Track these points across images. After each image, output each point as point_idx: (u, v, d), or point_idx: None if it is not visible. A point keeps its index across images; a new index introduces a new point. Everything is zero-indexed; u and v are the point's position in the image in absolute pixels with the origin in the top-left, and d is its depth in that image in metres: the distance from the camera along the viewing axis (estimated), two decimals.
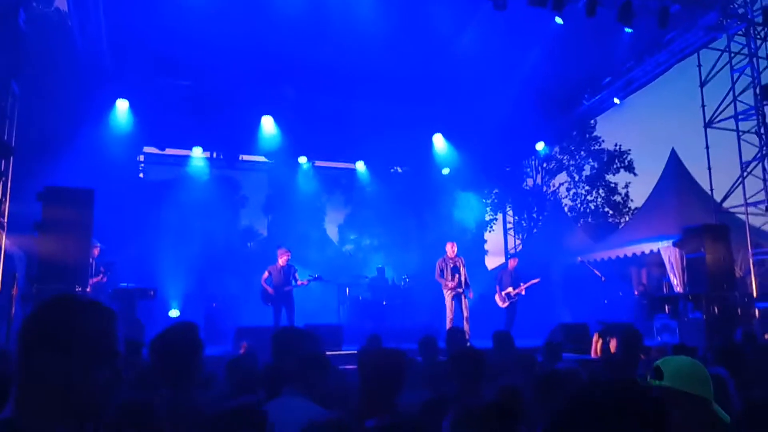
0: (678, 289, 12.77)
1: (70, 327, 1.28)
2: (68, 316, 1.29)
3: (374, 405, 2.80)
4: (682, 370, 2.23)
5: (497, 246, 24.66)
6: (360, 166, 17.31)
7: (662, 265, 13.74)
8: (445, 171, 17.13)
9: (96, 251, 9.65)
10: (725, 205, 12.82)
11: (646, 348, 5.13)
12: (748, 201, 12.11)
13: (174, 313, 13.13)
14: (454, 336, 6.81)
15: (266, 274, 10.64)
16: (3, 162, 7.92)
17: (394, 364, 3.01)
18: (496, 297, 12.24)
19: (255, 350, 4.95)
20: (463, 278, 10.79)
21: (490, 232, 27.25)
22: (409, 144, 15.85)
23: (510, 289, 12.04)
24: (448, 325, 10.14)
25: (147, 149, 15.80)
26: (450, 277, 10.69)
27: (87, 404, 1.28)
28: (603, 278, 12.78)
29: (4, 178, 7.78)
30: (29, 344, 1.26)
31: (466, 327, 10.34)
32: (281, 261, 10.61)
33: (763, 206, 11.85)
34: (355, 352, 5.96)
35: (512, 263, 12.55)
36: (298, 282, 10.66)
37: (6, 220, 8.10)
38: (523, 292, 12.05)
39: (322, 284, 11.87)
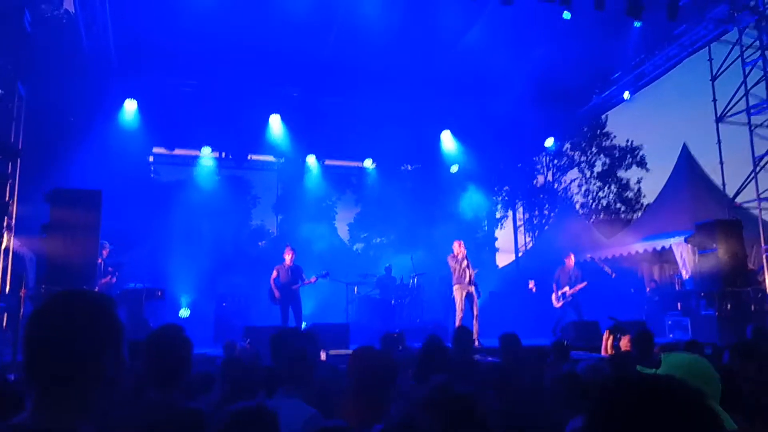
0: (690, 285, 12.62)
1: (94, 319, 1.28)
2: (89, 309, 1.29)
3: (368, 408, 2.75)
4: (682, 362, 2.15)
5: (508, 243, 24.55)
6: (368, 163, 17.28)
7: (674, 261, 13.58)
8: (454, 168, 17.05)
9: (106, 252, 9.71)
10: (738, 200, 12.64)
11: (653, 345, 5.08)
12: (761, 196, 11.94)
13: (184, 312, 13.18)
14: (461, 335, 6.76)
15: (275, 273, 10.62)
16: (10, 164, 7.97)
17: (385, 367, 2.96)
18: (552, 296, 12.08)
19: (257, 350, 4.91)
20: (471, 277, 10.70)
21: (500, 229, 27.17)
22: (418, 141, 15.80)
23: (566, 289, 11.94)
24: (457, 324, 10.07)
25: (156, 150, 15.88)
26: (462, 275, 10.56)
27: (111, 393, 1.29)
28: (613, 275, 12.65)
29: (11, 180, 7.84)
30: (51, 342, 1.24)
31: (475, 326, 10.27)
32: (287, 260, 10.62)
33: None
34: None
35: (570, 262, 12.24)
36: (305, 281, 10.65)
37: (14, 222, 8.16)
38: (568, 292, 11.94)
39: (330, 283, 11.85)
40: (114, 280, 9.83)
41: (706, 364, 1.98)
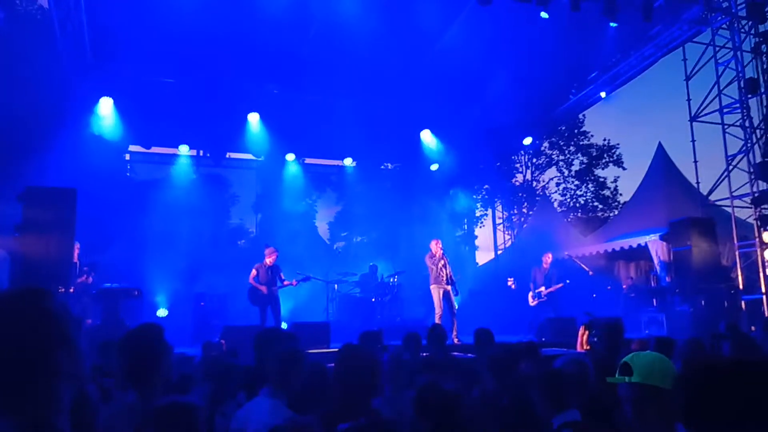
0: (665, 282, 12.82)
1: (36, 318, 1.26)
2: (27, 309, 1.27)
3: (350, 406, 2.76)
4: (653, 365, 2.21)
5: (487, 241, 24.70)
6: (349, 162, 17.27)
7: (650, 258, 13.79)
8: (434, 167, 17.11)
9: (76, 252, 9.55)
10: (711, 198, 12.87)
11: (627, 341, 5.13)
12: (734, 194, 12.17)
13: (162, 312, 13.04)
14: (435, 333, 6.79)
15: (254, 272, 10.52)
16: None
17: (368, 366, 2.97)
18: (529, 295, 12.45)
19: (236, 349, 4.89)
20: (449, 275, 10.69)
21: (480, 227, 27.32)
22: (398, 140, 15.81)
23: (542, 289, 12.19)
24: (436, 321, 10.11)
25: (133, 148, 15.67)
26: (439, 274, 10.56)
27: (75, 387, 1.28)
28: (591, 272, 12.83)
29: None
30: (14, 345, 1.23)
31: (454, 323, 10.31)
32: (268, 260, 10.53)
33: (748, 199, 11.89)
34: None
35: (547, 260, 12.54)
36: (285, 282, 10.59)
37: None
38: (544, 292, 12.24)
39: (310, 281, 11.82)
40: (90, 279, 9.70)
41: (668, 363, 2.16)
